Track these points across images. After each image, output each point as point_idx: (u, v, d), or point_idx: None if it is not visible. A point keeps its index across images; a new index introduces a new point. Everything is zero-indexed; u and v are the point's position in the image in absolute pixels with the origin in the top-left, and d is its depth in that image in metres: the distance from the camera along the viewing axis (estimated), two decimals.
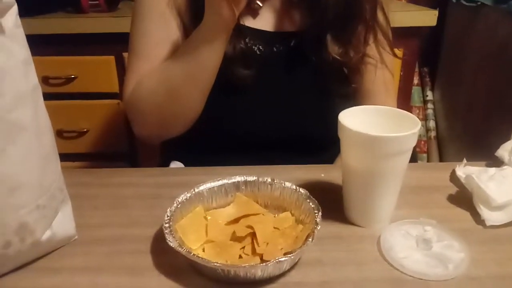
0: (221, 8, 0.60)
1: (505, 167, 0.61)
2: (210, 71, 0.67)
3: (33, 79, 0.44)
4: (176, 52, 0.70)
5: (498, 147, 0.66)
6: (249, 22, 0.74)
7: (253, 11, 0.74)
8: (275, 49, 0.74)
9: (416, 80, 1.82)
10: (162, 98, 0.68)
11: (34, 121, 0.43)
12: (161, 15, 0.72)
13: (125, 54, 1.30)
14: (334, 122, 0.52)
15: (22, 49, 0.43)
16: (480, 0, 1.51)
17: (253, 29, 0.73)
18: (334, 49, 0.72)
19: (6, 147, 0.41)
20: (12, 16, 0.41)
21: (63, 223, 0.49)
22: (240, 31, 0.70)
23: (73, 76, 1.36)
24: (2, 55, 0.40)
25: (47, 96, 0.47)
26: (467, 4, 1.57)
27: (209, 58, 0.65)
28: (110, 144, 1.46)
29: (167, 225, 0.47)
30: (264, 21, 0.75)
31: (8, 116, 0.41)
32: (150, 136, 0.77)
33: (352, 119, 0.51)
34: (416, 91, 1.83)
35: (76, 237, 0.51)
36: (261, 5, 0.73)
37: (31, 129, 0.43)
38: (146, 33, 0.73)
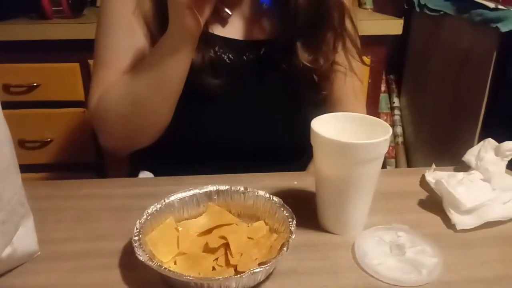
0: (184, 17, 0.59)
1: (472, 171, 0.62)
2: (177, 81, 0.65)
3: None
4: (142, 61, 0.68)
5: (464, 152, 0.67)
6: (218, 30, 0.73)
7: (222, 19, 0.73)
8: (245, 58, 0.74)
9: (383, 87, 1.85)
10: (128, 109, 0.67)
11: None
12: (127, 24, 0.70)
13: (91, 61, 1.26)
14: (305, 129, 0.52)
15: None
16: (443, 9, 1.56)
17: (222, 38, 0.73)
18: (304, 56, 0.72)
19: None
20: None
21: (25, 239, 0.46)
22: (209, 39, 0.69)
23: (35, 84, 1.31)
24: None
25: (8, 105, 0.44)
26: (430, 13, 1.62)
27: (175, 68, 0.64)
28: (75, 154, 1.41)
29: (136, 238, 0.45)
30: (234, 30, 0.74)
31: None
32: (116, 148, 0.75)
33: (324, 126, 0.51)
34: (383, 98, 1.87)
35: (39, 253, 0.49)
36: (230, 13, 0.72)
37: None
38: (112, 42, 0.71)
